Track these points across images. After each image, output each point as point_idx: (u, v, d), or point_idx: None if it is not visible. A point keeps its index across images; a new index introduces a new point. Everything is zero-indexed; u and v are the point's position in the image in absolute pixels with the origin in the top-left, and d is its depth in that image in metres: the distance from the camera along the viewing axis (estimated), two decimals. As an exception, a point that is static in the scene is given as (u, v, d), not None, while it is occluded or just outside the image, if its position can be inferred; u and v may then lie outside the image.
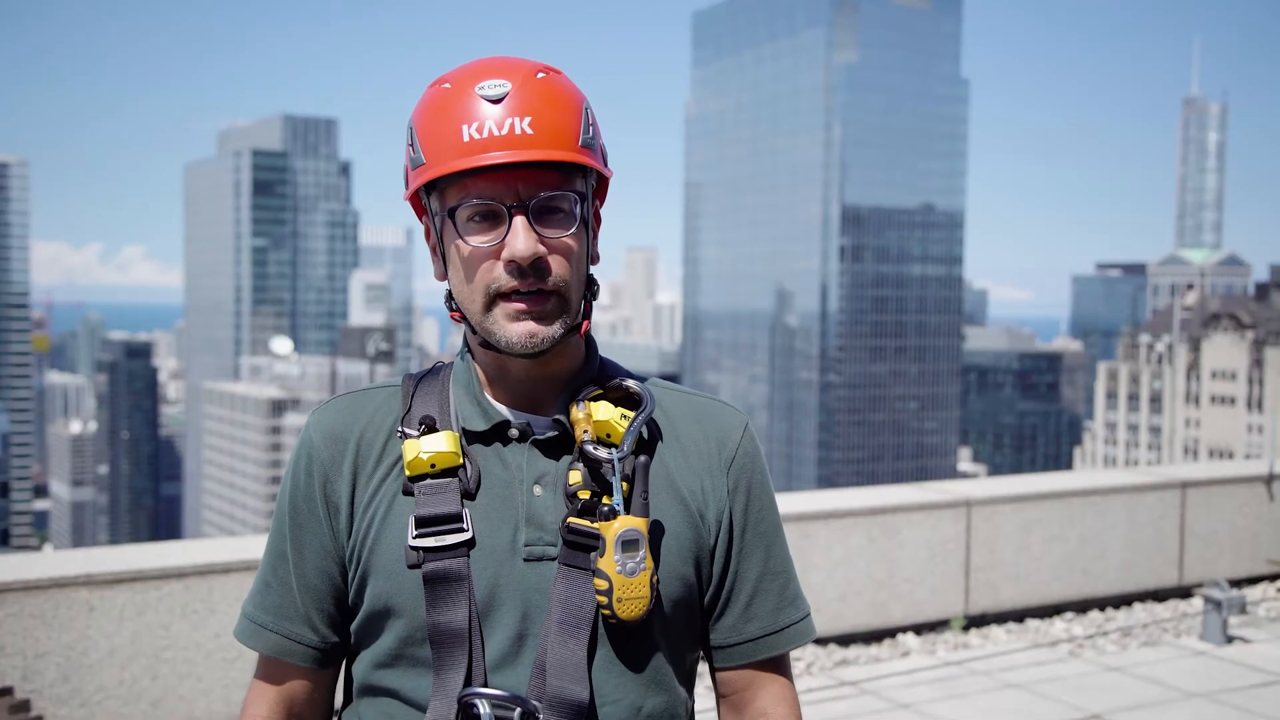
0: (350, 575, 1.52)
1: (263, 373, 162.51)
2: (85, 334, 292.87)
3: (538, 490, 1.48)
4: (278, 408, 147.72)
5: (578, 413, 1.49)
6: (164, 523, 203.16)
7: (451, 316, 1.53)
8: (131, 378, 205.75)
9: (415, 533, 1.44)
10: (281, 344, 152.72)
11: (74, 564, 4.80)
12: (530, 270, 1.42)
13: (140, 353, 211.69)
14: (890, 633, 6.69)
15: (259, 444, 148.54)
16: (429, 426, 1.49)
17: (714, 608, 1.58)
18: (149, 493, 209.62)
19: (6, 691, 4.30)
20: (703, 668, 1.61)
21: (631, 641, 1.48)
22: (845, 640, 6.50)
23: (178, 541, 6.16)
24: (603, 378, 1.56)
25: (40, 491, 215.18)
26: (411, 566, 1.44)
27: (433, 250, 1.54)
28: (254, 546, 5.22)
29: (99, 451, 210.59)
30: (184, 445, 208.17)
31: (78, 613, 4.63)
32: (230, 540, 5.50)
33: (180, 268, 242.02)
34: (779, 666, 1.60)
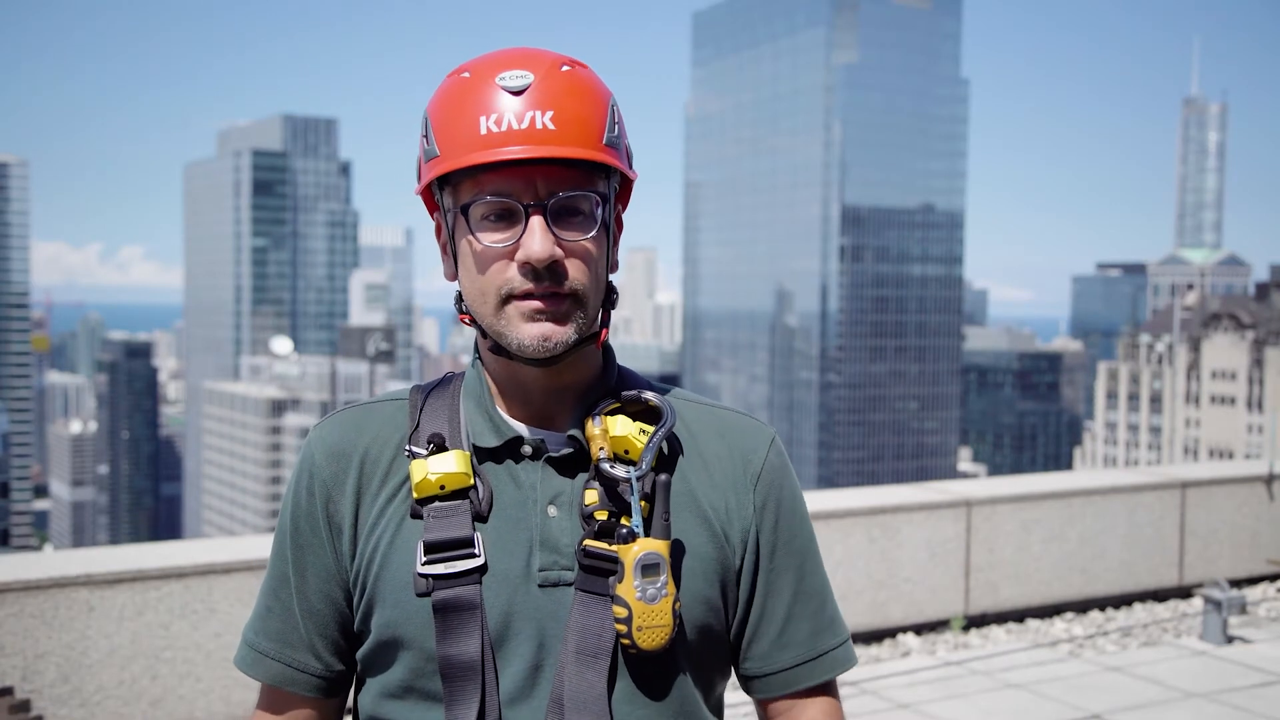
0: (355, 601, 1.45)
1: (263, 373, 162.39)
2: (85, 334, 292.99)
3: (552, 511, 1.41)
4: (278, 408, 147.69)
5: (593, 428, 1.41)
6: (164, 523, 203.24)
7: (461, 319, 1.45)
8: (131, 378, 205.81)
9: (424, 559, 1.37)
10: (281, 344, 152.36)
11: (74, 564, 4.80)
12: (546, 274, 1.34)
13: (140, 353, 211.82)
14: (890, 633, 6.69)
15: (259, 444, 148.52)
16: (438, 445, 1.41)
17: (744, 633, 1.49)
18: (149, 493, 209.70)
19: (6, 691, 4.30)
20: (735, 697, 1.47)
21: (654, 671, 1.40)
22: (845, 640, 6.49)
23: (178, 541, 6.16)
24: (620, 389, 1.47)
25: (40, 491, 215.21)
26: (420, 594, 1.37)
27: (443, 249, 1.46)
28: (254, 546, 5.22)
29: (99, 451, 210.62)
30: (184, 445, 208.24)
31: (78, 613, 4.63)
32: (230, 540, 5.50)
33: (180, 268, 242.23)
34: (826, 689, 1.51)
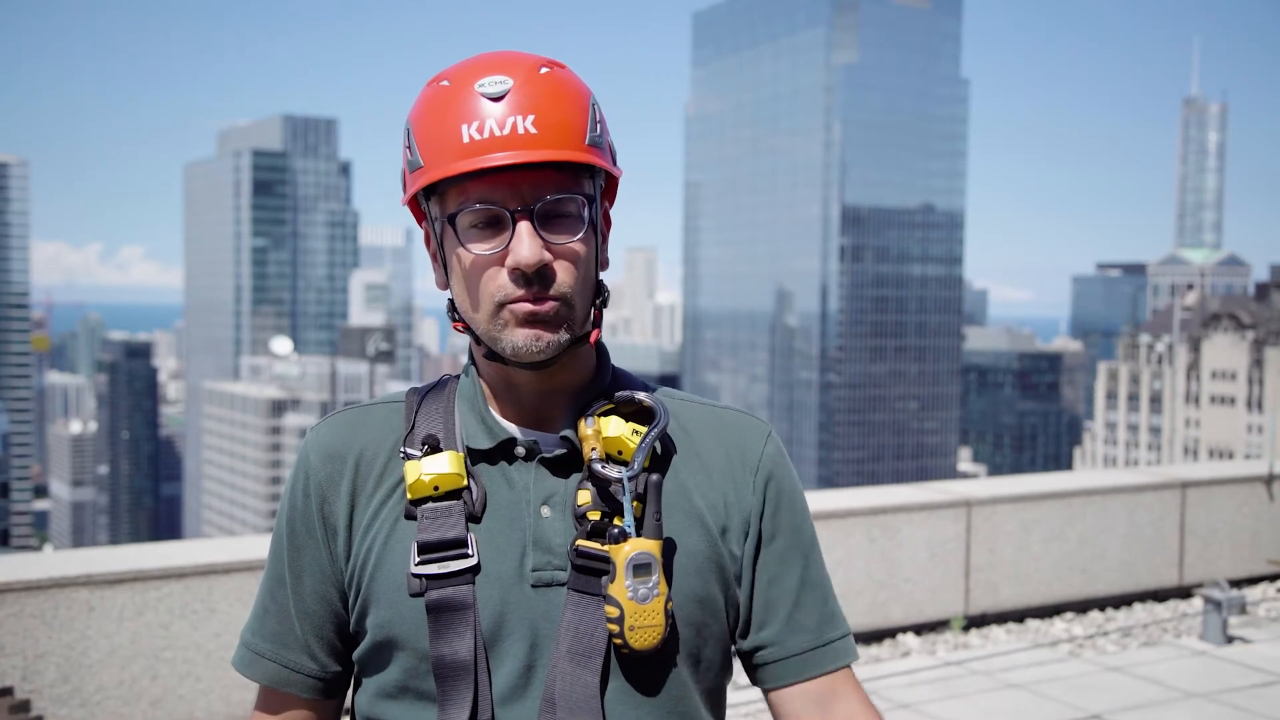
0: (350, 602, 1.46)
1: (263, 373, 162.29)
2: (85, 334, 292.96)
3: (546, 511, 1.41)
4: (278, 408, 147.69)
5: (586, 429, 1.41)
6: (164, 523, 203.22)
7: (454, 327, 1.46)
8: (131, 378, 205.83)
9: (418, 559, 1.38)
10: (281, 344, 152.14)
11: (74, 564, 4.80)
12: (535, 278, 1.35)
13: (140, 353, 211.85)
14: (890, 633, 6.69)
15: (259, 444, 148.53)
16: (432, 446, 1.42)
17: (751, 620, 1.49)
18: (149, 493, 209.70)
19: (6, 691, 4.30)
20: (735, 697, 1.50)
21: (647, 670, 1.40)
22: (845, 640, 6.49)
23: (178, 541, 6.16)
24: (614, 390, 1.47)
25: (40, 491, 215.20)
26: (414, 595, 1.38)
27: (433, 257, 1.47)
28: (254, 546, 5.22)
29: (99, 451, 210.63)
30: (184, 445, 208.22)
31: (78, 613, 4.63)
32: (230, 540, 5.50)
33: (180, 268, 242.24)
34: (849, 679, 1.52)
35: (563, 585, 1.39)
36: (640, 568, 1.34)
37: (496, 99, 1.34)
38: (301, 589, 1.47)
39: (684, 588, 1.41)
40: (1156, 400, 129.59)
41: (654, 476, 1.39)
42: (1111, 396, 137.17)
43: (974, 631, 6.84)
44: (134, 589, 4.73)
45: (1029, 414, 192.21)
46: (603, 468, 1.38)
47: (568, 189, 1.37)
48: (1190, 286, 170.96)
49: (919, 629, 6.77)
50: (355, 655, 1.48)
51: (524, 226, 1.34)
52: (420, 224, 1.48)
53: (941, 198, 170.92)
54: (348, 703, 1.56)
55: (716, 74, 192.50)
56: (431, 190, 1.40)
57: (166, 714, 4.79)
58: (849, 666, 1.52)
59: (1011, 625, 7.01)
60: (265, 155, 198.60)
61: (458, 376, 1.53)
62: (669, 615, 1.36)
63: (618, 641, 1.35)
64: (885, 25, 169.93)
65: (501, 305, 1.36)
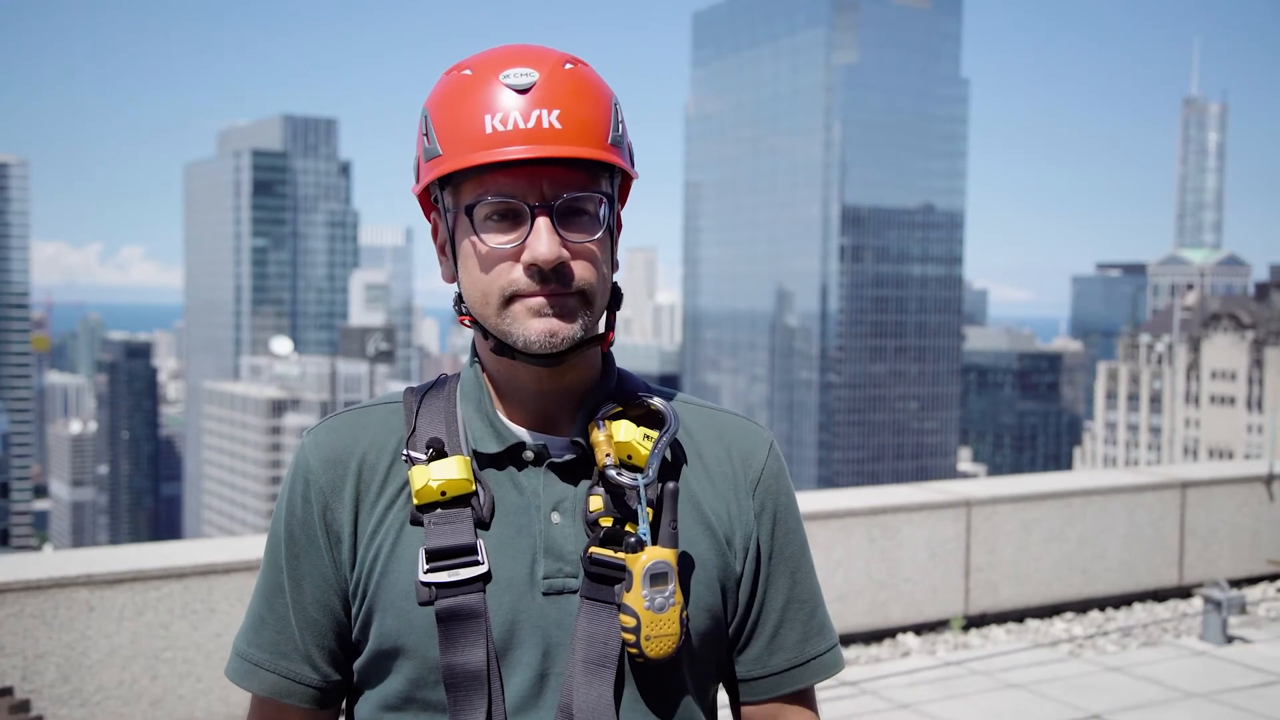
0: (354, 610, 1.42)
1: (263, 373, 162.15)
2: (85, 334, 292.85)
3: (556, 517, 1.39)
4: (278, 408, 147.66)
5: (598, 434, 1.38)
6: (164, 523, 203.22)
7: (460, 321, 1.42)
8: (131, 378, 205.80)
9: (426, 566, 1.34)
10: (281, 344, 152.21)
11: (74, 564, 4.80)
12: (552, 275, 1.32)
13: (140, 353, 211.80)
14: (890, 633, 6.69)
15: (259, 444, 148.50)
16: (437, 450, 1.39)
17: (739, 638, 1.49)
18: (149, 493, 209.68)
19: (6, 691, 4.30)
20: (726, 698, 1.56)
21: (658, 679, 1.39)
22: (845, 640, 6.49)
23: (178, 541, 6.16)
24: (622, 393, 1.44)
25: (40, 491, 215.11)
26: (423, 603, 1.35)
27: (440, 250, 1.44)
28: (254, 547, 5.22)
29: (99, 451, 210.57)
30: (184, 445, 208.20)
31: (78, 613, 4.63)
32: (230, 540, 5.50)
33: (180, 268, 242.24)
34: (804, 699, 1.52)
35: (574, 593, 1.37)
36: (657, 577, 1.32)
37: (522, 91, 1.32)
38: (302, 597, 1.42)
39: (696, 598, 1.41)
40: (1156, 400, 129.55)
41: (670, 485, 1.36)
42: (1111, 396, 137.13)
43: (974, 631, 6.84)
44: (134, 589, 4.73)
45: (1029, 414, 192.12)
46: (617, 474, 1.35)
47: (588, 187, 1.34)
48: (1190, 286, 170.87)
49: (919, 629, 6.77)
50: (357, 665, 1.43)
51: (543, 222, 1.31)
52: (428, 215, 1.45)
53: (941, 198, 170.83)
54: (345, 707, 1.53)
55: (716, 74, 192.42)
56: (447, 180, 1.37)
57: (166, 714, 4.79)
58: (811, 690, 1.52)
59: (1011, 625, 7.01)
60: (265, 155, 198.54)
61: (456, 375, 1.49)
62: (684, 624, 1.35)
63: (633, 650, 1.33)
64: (885, 25, 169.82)
65: (512, 298, 1.34)
